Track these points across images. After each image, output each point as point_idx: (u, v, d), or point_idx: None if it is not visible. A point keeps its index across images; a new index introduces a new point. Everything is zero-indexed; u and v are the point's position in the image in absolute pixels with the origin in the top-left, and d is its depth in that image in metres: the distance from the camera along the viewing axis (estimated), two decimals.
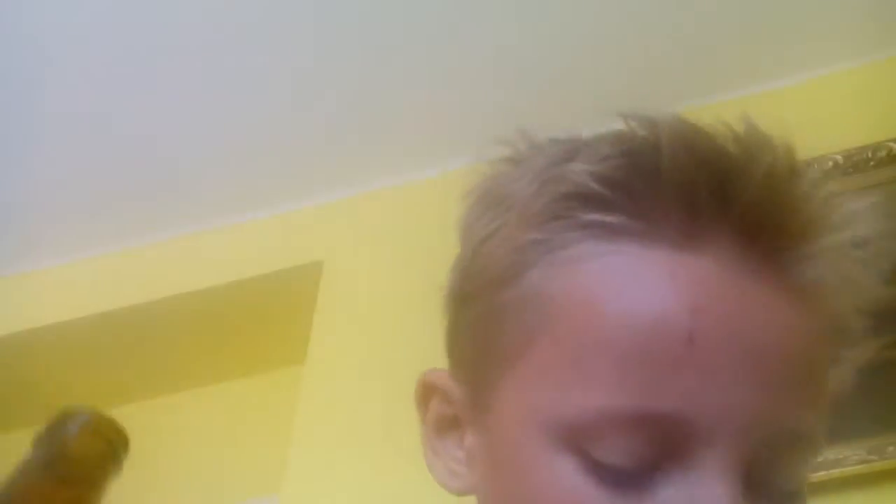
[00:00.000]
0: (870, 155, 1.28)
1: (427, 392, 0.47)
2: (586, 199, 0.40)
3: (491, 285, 0.43)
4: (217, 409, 1.70)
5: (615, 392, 0.37)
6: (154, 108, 1.52)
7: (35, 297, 1.72)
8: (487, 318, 0.43)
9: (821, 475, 1.03)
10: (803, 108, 1.38)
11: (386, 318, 1.44)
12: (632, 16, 1.42)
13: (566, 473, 0.37)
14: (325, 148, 1.61)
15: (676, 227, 0.39)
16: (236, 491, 1.54)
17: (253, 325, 1.65)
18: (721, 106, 1.33)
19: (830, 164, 1.29)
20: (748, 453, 0.37)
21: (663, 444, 0.36)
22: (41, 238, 1.73)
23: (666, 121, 0.40)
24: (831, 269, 0.40)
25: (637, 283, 0.38)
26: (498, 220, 0.43)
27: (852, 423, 1.05)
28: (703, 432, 0.36)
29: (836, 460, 1.04)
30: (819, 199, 0.40)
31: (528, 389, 0.40)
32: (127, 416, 1.87)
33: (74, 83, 1.49)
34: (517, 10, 1.40)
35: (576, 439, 0.37)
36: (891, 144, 1.28)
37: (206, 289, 1.62)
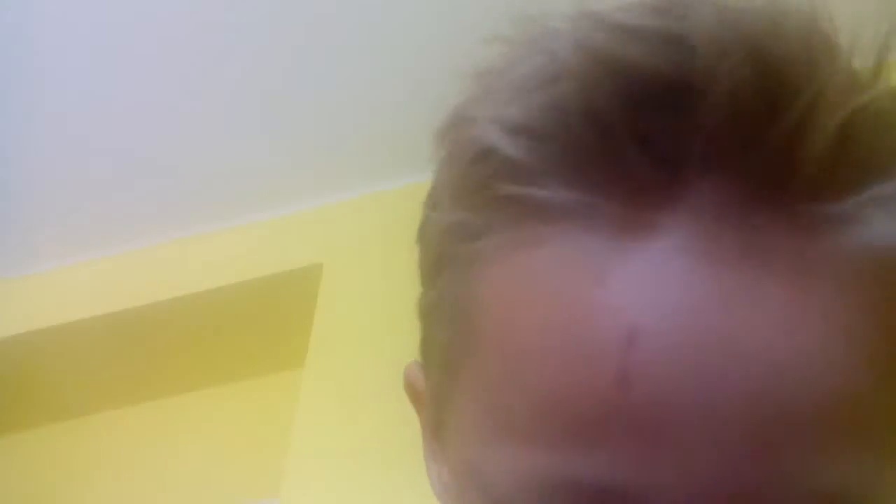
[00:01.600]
0: None
1: (415, 391, 0.36)
2: (495, 162, 0.26)
3: (422, 281, 0.32)
4: (217, 411, 1.70)
5: (533, 451, 0.25)
6: (153, 111, 1.52)
7: (36, 299, 1.72)
8: (426, 319, 0.32)
9: None
10: None
11: (386, 321, 1.44)
12: None
13: None
14: (325, 150, 1.61)
15: (620, 198, 0.25)
16: (236, 493, 1.54)
17: (253, 328, 1.65)
18: None
19: None
20: None
21: None
22: (42, 240, 1.73)
23: (585, 29, 0.26)
24: (884, 233, 0.24)
25: (555, 295, 0.25)
26: (428, 198, 0.32)
27: None
28: None
29: None
30: (853, 117, 0.24)
31: (462, 432, 0.29)
32: (127, 418, 1.88)
33: (74, 86, 1.49)
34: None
35: None
36: None
37: (206, 291, 1.62)
